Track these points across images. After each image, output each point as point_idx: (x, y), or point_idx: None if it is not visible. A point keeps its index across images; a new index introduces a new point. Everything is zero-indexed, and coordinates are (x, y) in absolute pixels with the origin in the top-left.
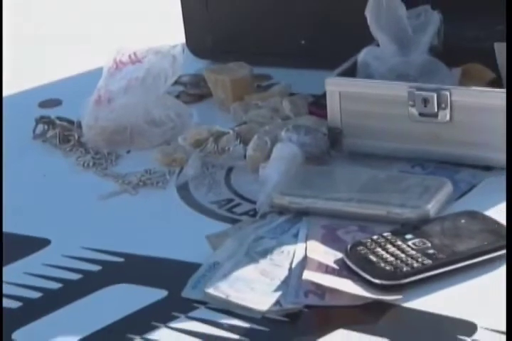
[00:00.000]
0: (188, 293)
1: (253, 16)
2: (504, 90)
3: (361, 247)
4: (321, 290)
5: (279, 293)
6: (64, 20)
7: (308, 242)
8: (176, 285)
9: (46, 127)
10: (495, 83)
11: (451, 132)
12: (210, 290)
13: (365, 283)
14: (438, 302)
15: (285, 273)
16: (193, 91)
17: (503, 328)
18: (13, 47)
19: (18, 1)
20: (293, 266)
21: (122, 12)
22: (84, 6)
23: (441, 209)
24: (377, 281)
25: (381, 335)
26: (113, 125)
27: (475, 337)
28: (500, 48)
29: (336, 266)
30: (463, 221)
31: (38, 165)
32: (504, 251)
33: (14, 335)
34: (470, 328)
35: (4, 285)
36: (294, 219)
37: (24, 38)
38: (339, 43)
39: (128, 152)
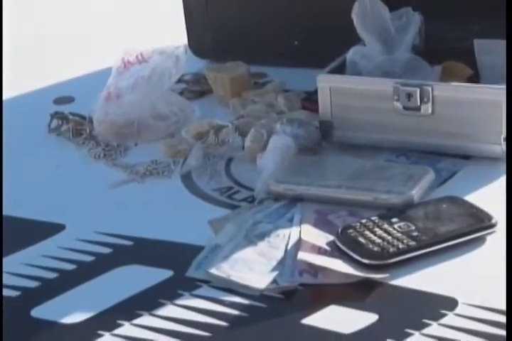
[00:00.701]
0: (192, 272)
1: (250, 20)
2: (483, 85)
3: (351, 230)
4: (314, 269)
5: (275, 273)
6: (71, 22)
7: (302, 226)
8: (180, 266)
9: (60, 122)
10: (473, 79)
11: (433, 124)
12: (213, 270)
13: (355, 262)
14: (422, 280)
15: (281, 254)
16: (195, 88)
17: (482, 303)
18: (29, 48)
19: (30, 3)
20: (288, 247)
21: (128, 15)
22: (92, 8)
23: (424, 195)
24: (365, 261)
25: (370, 311)
26: (121, 119)
27: (456, 311)
28: (479, 45)
29: (327, 248)
30: (444, 206)
31: (53, 156)
32: (482, 233)
33: (33, 312)
34: (451, 303)
35: (23, 267)
36: (289, 205)
37: (39, 38)
38: (329, 43)
39: (135, 144)
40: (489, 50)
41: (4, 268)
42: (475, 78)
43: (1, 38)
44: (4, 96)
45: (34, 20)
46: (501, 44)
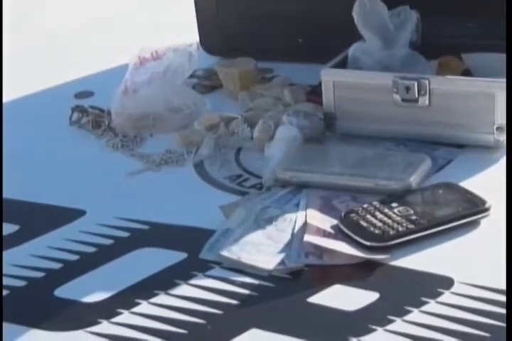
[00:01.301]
0: (204, 255)
1: (257, 19)
2: (476, 79)
3: (353, 214)
4: (319, 251)
5: (283, 254)
6: (91, 22)
7: (307, 210)
8: (194, 249)
9: (81, 115)
10: (467, 73)
11: (430, 115)
12: (224, 253)
13: (357, 244)
14: (420, 260)
15: (288, 237)
16: (207, 83)
17: (477, 282)
18: (51, 46)
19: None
20: (295, 231)
21: (144, 15)
22: (109, 8)
23: (421, 182)
24: (367, 243)
25: (371, 289)
26: (138, 112)
27: (452, 289)
28: (467, 58)
29: (332, 231)
30: (440, 191)
31: (74, 147)
32: (476, 217)
33: (56, 292)
34: (448, 282)
35: (47, 250)
36: (295, 191)
37: (60, 37)
38: (331, 40)
39: (151, 135)
40: (476, 63)
41: (29, 251)
42: (469, 72)
43: (1, 39)
44: (28, 92)
45: (55, 18)
46: (487, 57)
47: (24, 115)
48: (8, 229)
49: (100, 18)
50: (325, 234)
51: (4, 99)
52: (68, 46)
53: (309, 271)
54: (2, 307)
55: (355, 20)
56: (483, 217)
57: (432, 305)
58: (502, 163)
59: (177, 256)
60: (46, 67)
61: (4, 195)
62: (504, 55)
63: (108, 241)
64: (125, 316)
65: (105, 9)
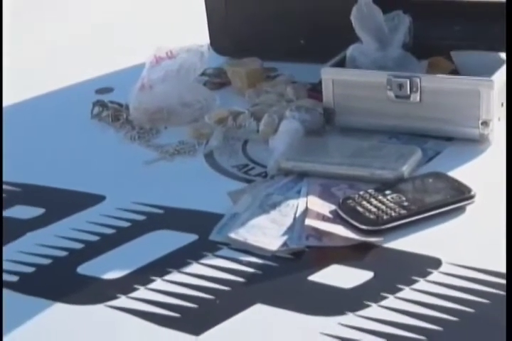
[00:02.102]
0: (214, 236)
1: (263, 22)
2: (463, 77)
3: (350, 201)
4: (319, 234)
5: (285, 237)
6: (111, 23)
7: (308, 197)
8: (204, 231)
9: (101, 109)
10: (455, 72)
11: (421, 111)
12: (232, 235)
13: (354, 228)
14: (411, 243)
15: (290, 221)
16: (216, 80)
17: (462, 262)
18: (75, 47)
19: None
20: (296, 215)
21: (160, 18)
22: (128, 12)
23: (413, 171)
24: (363, 227)
25: (366, 269)
26: (153, 107)
27: (440, 269)
28: (456, 55)
29: (330, 216)
30: (430, 180)
31: (95, 138)
32: (463, 203)
33: (79, 269)
34: (436, 263)
35: (70, 231)
36: (297, 180)
37: (83, 37)
38: (331, 42)
39: (165, 128)
40: (464, 61)
41: (54, 232)
42: (456, 71)
43: (1, 41)
44: (53, 88)
45: (80, 21)
46: (474, 55)
47: (50, 109)
48: (35, 212)
49: (120, 20)
50: (324, 218)
51: (33, 95)
52: (91, 46)
53: (309, 251)
54: (2, 303)
55: (353, 24)
56: (468, 204)
57: (421, 284)
58: (486, 155)
59: (189, 238)
60: (71, 66)
61: (31, 182)
62: (489, 53)
63: (126, 224)
64: (141, 292)
65: (124, 12)
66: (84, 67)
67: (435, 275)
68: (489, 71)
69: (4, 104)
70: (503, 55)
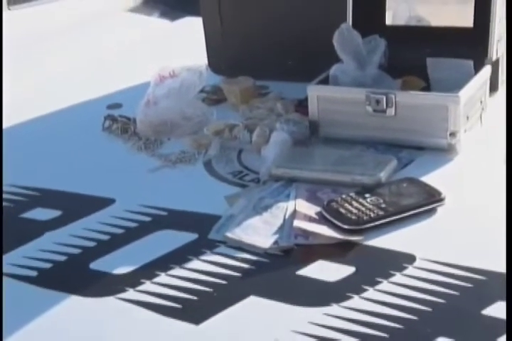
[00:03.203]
0: (212, 235)
1: (255, 46)
2: (433, 93)
3: (334, 203)
4: (306, 233)
5: (276, 236)
6: (121, 48)
7: (296, 200)
8: (203, 231)
9: (111, 122)
10: (425, 89)
11: (396, 123)
12: (228, 234)
13: (337, 228)
14: (388, 241)
15: (281, 221)
16: (213, 97)
17: (434, 258)
18: (90, 68)
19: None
20: (286, 217)
21: (163, 42)
22: (135, 38)
23: (389, 177)
24: (345, 227)
25: (349, 264)
26: (158, 120)
27: (414, 264)
28: (430, 62)
29: (316, 217)
30: (405, 185)
31: (106, 148)
32: (434, 205)
33: (91, 265)
34: (411, 259)
35: (84, 231)
36: (286, 185)
37: (97, 61)
38: (315, 63)
39: (168, 139)
40: (438, 67)
41: (69, 232)
42: (427, 88)
43: (1, 43)
44: (71, 104)
45: (95, 46)
46: (448, 62)
47: (68, 122)
48: (52, 214)
49: (130, 45)
50: (311, 219)
51: (54, 109)
52: (103, 68)
53: (298, 249)
54: (2, 300)
55: (335, 46)
56: (439, 206)
57: (398, 277)
58: (454, 162)
59: (190, 237)
60: (86, 85)
61: (50, 187)
62: (460, 60)
63: (133, 224)
64: (147, 285)
65: (134, 38)
66: (97, 86)
67: (410, 270)
68: (458, 78)
69: (28, 117)
70: (471, 62)
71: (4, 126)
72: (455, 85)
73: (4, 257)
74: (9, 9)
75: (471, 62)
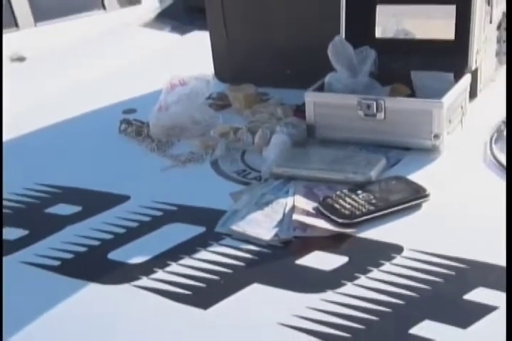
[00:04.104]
0: (219, 228)
1: (257, 56)
2: (418, 99)
3: (329, 199)
4: (304, 226)
5: (277, 229)
6: (136, 59)
7: (295, 196)
8: (211, 224)
9: (127, 126)
10: (411, 96)
11: (385, 126)
12: (233, 227)
13: (332, 221)
14: (378, 233)
15: (281, 216)
16: (220, 102)
17: (420, 248)
18: (108, 78)
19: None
20: (286, 211)
21: (174, 54)
22: (148, 51)
23: (379, 175)
24: (339, 220)
25: (342, 254)
26: (169, 124)
27: (402, 254)
28: (414, 75)
29: (313, 211)
30: (393, 182)
31: (122, 149)
32: (419, 201)
33: (109, 255)
34: (399, 249)
35: (102, 225)
36: (286, 182)
37: (114, 72)
38: (311, 71)
39: (179, 141)
40: (422, 79)
41: (89, 226)
42: (413, 95)
43: (1, 46)
44: (90, 109)
45: (114, 57)
46: (430, 74)
47: (87, 126)
48: (73, 209)
49: (144, 57)
50: (308, 213)
51: (73, 114)
52: (120, 76)
53: (296, 241)
54: (2, 298)
55: (329, 57)
56: (424, 201)
57: (387, 266)
58: (438, 162)
59: (198, 230)
60: (105, 92)
61: (71, 184)
62: (441, 73)
63: (147, 219)
64: (159, 274)
65: (146, 50)
66: (114, 93)
67: (398, 259)
68: (440, 88)
69: (52, 121)
70: (451, 75)
71: (30, 129)
72: (437, 93)
73: (30, 248)
74: (35, 26)
75: (451, 75)
